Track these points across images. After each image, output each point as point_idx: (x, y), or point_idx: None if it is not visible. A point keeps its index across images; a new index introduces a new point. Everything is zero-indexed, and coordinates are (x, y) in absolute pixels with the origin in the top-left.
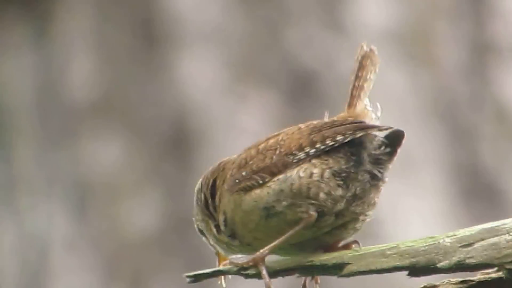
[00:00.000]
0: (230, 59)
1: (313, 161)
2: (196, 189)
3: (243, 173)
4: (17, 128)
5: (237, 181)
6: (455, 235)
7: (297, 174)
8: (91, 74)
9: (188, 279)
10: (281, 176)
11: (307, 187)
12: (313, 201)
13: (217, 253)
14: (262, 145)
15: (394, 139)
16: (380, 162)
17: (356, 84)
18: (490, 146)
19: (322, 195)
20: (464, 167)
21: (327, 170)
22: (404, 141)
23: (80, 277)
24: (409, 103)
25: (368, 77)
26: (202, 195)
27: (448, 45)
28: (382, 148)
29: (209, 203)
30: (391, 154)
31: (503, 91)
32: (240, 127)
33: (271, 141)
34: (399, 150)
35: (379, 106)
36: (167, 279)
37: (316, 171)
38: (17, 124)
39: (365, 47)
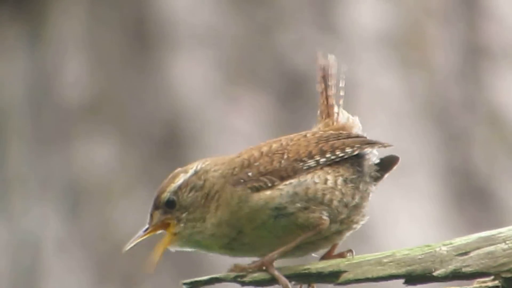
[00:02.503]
0: (222, 60)
1: (325, 168)
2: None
3: (249, 174)
4: (10, 130)
5: (241, 180)
6: (451, 243)
7: (312, 180)
8: (84, 75)
9: (184, 286)
10: (293, 180)
11: (322, 193)
12: (326, 207)
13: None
14: (265, 148)
15: (388, 162)
16: (374, 176)
17: (330, 93)
18: (483, 149)
19: (335, 202)
20: (457, 170)
21: (340, 178)
22: (398, 157)
23: (71, 279)
24: (402, 106)
25: (340, 84)
26: (198, 189)
27: (441, 48)
28: (377, 161)
29: (209, 196)
30: (380, 176)
31: (495, 95)
32: (232, 129)
33: (274, 145)
34: (386, 176)
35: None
36: (158, 283)
37: (330, 177)
38: (10, 126)
39: (321, 58)
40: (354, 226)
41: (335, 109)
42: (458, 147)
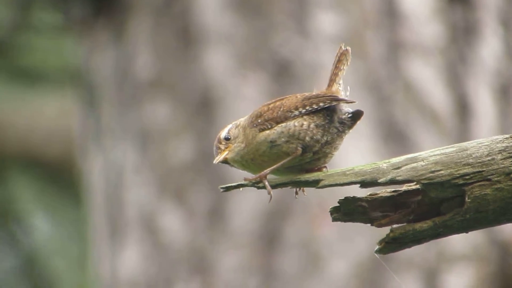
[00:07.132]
0: (236, 53)
1: (304, 117)
2: (237, 123)
3: (259, 120)
4: (103, 97)
5: (255, 124)
6: (389, 161)
7: (293, 123)
8: (149, 62)
9: (221, 189)
10: (283, 124)
11: (299, 132)
12: (301, 141)
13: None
14: (272, 104)
15: (357, 115)
16: (344, 123)
17: (334, 72)
18: (401, 107)
19: (307, 138)
20: (384, 120)
21: (312, 123)
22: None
23: (143, 191)
24: (349, 80)
25: (342, 67)
26: (240, 127)
27: (373, 44)
28: (346, 114)
29: (243, 133)
30: (353, 123)
31: (409, 73)
32: (243, 96)
33: (277, 103)
34: (358, 122)
35: (349, 88)
36: (199, 192)
37: (305, 123)
38: (103, 94)
39: (343, 47)
40: (329, 155)
41: (332, 82)
42: (385, 106)
